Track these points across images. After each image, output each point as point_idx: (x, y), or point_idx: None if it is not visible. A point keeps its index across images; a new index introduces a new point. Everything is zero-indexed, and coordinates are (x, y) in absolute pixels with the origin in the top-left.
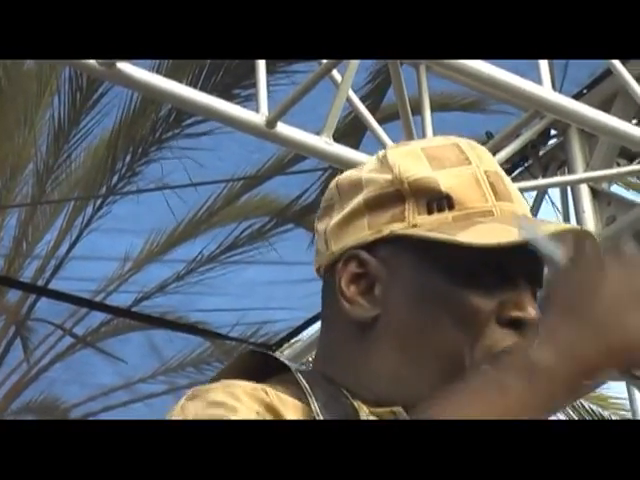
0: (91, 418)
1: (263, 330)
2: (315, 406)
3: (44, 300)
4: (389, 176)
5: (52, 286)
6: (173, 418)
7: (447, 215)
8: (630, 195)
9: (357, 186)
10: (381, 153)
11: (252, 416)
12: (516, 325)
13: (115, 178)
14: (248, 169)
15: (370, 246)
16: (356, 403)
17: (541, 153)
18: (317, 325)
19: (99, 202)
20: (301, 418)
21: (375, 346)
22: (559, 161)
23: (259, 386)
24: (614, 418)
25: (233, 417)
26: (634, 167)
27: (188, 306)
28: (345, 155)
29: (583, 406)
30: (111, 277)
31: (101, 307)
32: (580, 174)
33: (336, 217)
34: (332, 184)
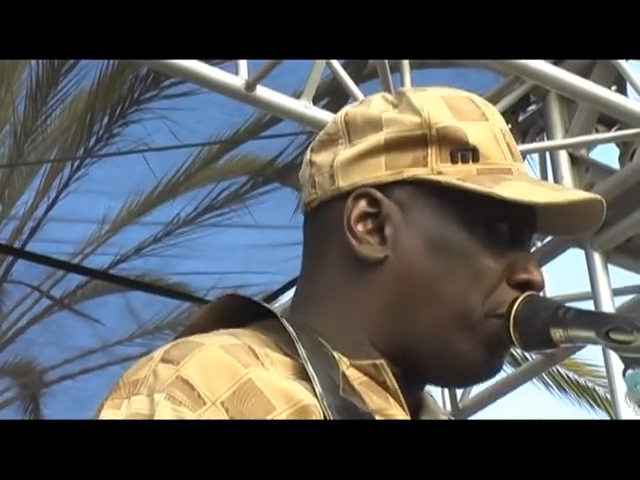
0: (68, 381)
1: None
2: (302, 352)
3: (21, 262)
4: (417, 119)
5: (29, 248)
6: (139, 377)
7: (471, 167)
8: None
9: (374, 124)
10: (394, 95)
11: (221, 397)
12: (523, 287)
13: (93, 140)
14: (227, 131)
15: (385, 187)
16: (336, 354)
17: (520, 119)
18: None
19: (77, 164)
20: (289, 374)
21: (376, 290)
22: (538, 127)
23: (245, 344)
24: (589, 384)
25: (196, 409)
26: (613, 134)
27: (165, 269)
28: (324, 118)
29: (559, 373)
30: (89, 239)
31: (78, 269)
32: (559, 140)
33: (345, 152)
34: (337, 117)
